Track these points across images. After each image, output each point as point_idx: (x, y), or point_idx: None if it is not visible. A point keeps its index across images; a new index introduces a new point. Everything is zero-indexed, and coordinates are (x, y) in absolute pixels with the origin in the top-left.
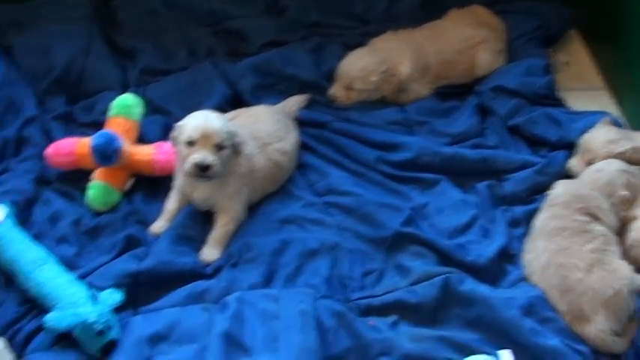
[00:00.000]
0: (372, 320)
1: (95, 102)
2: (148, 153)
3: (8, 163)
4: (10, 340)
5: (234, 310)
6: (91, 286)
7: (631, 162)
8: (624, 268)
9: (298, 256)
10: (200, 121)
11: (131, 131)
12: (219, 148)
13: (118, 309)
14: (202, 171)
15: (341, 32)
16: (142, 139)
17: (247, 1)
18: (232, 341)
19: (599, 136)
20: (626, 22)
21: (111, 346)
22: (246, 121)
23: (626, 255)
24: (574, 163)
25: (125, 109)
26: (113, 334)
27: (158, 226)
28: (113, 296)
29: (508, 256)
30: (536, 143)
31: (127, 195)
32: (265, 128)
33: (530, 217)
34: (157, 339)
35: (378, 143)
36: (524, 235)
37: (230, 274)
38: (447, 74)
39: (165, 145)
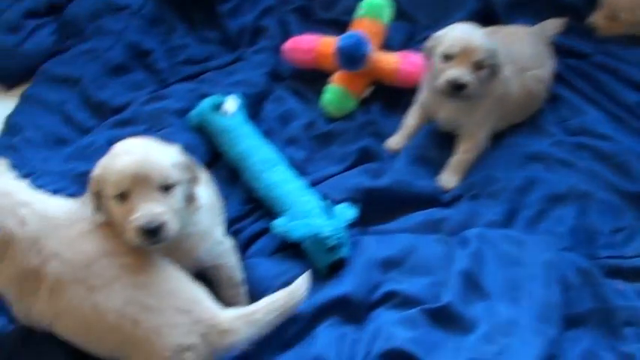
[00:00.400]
0: (620, 284)
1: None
2: (393, 61)
3: (242, 52)
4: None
5: (475, 249)
6: (323, 197)
7: None
8: None
9: (543, 199)
10: (462, 34)
11: (378, 35)
12: (478, 66)
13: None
14: (457, 89)
15: None
16: (384, 45)
17: None
18: (471, 282)
19: None
20: None
21: (339, 264)
22: (502, 40)
23: None
24: None
25: (375, 10)
26: (344, 251)
27: (395, 141)
28: (348, 211)
29: None
30: None
31: (364, 104)
32: (524, 51)
33: None
34: (389, 264)
35: None
36: None
37: (469, 207)
38: None
39: (412, 56)
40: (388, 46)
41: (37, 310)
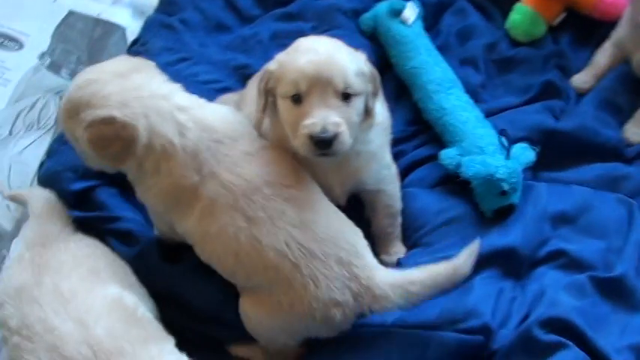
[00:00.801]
0: None
1: None
2: None
3: None
4: None
5: None
6: (498, 131)
7: None
8: None
9: None
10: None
11: None
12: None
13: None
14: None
15: None
16: None
17: None
18: None
19: None
20: None
21: (507, 210)
22: None
23: None
24: None
25: None
26: (515, 197)
27: (583, 79)
28: (526, 153)
29: None
30: None
31: (552, 31)
32: None
33: None
34: (560, 220)
35: None
36: None
37: None
38: None
39: None
40: None
41: (184, 228)
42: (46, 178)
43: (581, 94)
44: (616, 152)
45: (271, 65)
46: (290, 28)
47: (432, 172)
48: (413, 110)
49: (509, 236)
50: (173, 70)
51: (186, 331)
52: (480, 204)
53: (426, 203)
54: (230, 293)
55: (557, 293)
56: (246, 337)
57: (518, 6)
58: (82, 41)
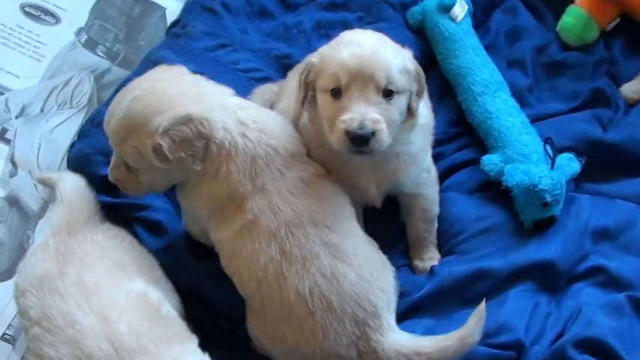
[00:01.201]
0: None
1: None
2: None
3: None
4: None
5: None
6: (543, 139)
7: None
8: None
9: None
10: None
11: None
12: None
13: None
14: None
15: None
16: None
17: None
18: None
19: None
20: None
21: (548, 222)
22: None
23: None
24: None
25: None
26: (557, 209)
27: (633, 89)
28: (572, 164)
29: None
30: None
31: (606, 37)
32: None
33: None
34: (602, 235)
35: None
36: None
37: None
38: None
39: None
40: None
41: (218, 238)
42: (76, 160)
43: (631, 105)
44: None
45: (313, 57)
46: (335, 18)
47: (472, 177)
48: (456, 111)
49: (548, 249)
50: (212, 56)
51: (210, 327)
52: (520, 214)
53: (464, 209)
54: None
55: (594, 312)
56: None
57: (571, 8)
58: (120, 19)
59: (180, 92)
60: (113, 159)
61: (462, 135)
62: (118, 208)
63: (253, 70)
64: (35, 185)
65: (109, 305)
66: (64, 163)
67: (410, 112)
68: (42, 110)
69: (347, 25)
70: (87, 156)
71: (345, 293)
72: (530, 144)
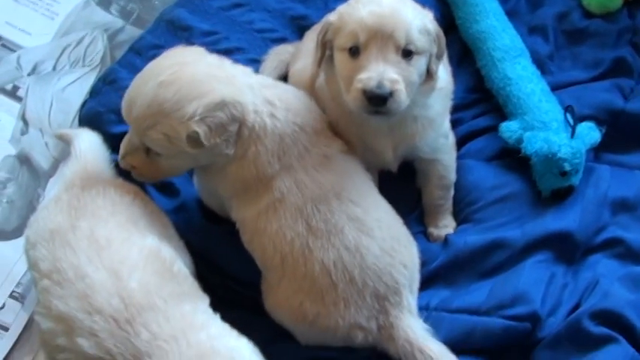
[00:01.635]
0: None
1: None
2: None
3: None
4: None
5: None
6: (564, 107)
7: None
8: None
9: None
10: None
11: None
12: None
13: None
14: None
15: None
16: None
17: None
18: None
19: None
20: None
21: (566, 191)
22: None
23: None
24: None
25: None
26: (576, 179)
27: None
28: (592, 134)
29: None
30: None
31: (630, 5)
32: None
33: None
34: (621, 206)
35: None
36: None
37: None
38: None
39: None
40: None
41: (240, 216)
42: (88, 118)
43: None
44: None
45: (331, 16)
46: None
47: (490, 145)
48: (475, 77)
49: (566, 219)
50: (227, 15)
51: (220, 289)
52: (538, 183)
53: (481, 177)
54: None
55: (611, 284)
56: None
57: None
58: None
59: (210, 76)
60: (126, 146)
61: (480, 101)
62: None
63: (269, 30)
64: (46, 144)
65: (120, 260)
66: (76, 121)
67: (429, 75)
68: (54, 68)
69: None
70: (98, 114)
71: (368, 267)
72: (550, 112)
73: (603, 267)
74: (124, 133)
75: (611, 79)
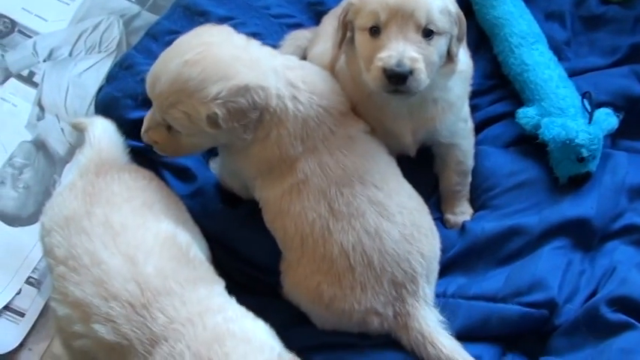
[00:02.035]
0: None
1: None
2: None
3: None
4: None
5: None
6: (581, 93)
7: None
8: None
9: None
10: None
11: None
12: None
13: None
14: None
15: None
16: None
17: None
18: None
19: None
20: None
21: (583, 178)
22: None
23: None
24: None
25: None
26: (593, 165)
27: None
28: (609, 120)
29: None
30: None
31: None
32: None
33: None
34: (638, 193)
35: None
36: None
37: None
38: None
39: None
40: None
41: (264, 196)
42: (104, 103)
43: None
44: None
45: None
46: None
47: (507, 131)
48: (492, 63)
49: (583, 206)
50: (243, 1)
51: (236, 274)
52: (555, 169)
53: (498, 163)
54: None
55: (628, 270)
56: None
57: None
58: None
59: (235, 58)
60: (149, 121)
61: (497, 87)
62: (145, 153)
63: (285, 15)
64: (62, 129)
65: (136, 246)
66: (92, 107)
67: (449, 57)
68: (70, 54)
69: None
70: (115, 99)
71: (387, 252)
72: (568, 97)
73: (620, 253)
74: (140, 119)
75: (628, 65)
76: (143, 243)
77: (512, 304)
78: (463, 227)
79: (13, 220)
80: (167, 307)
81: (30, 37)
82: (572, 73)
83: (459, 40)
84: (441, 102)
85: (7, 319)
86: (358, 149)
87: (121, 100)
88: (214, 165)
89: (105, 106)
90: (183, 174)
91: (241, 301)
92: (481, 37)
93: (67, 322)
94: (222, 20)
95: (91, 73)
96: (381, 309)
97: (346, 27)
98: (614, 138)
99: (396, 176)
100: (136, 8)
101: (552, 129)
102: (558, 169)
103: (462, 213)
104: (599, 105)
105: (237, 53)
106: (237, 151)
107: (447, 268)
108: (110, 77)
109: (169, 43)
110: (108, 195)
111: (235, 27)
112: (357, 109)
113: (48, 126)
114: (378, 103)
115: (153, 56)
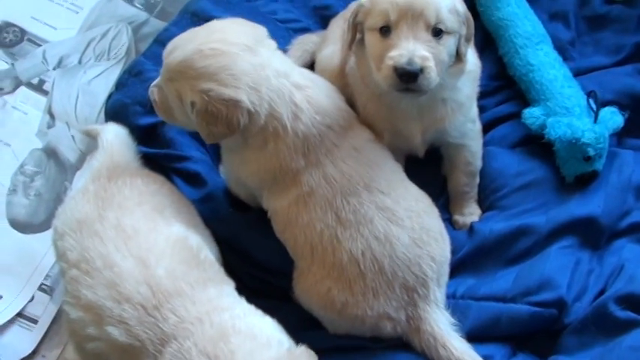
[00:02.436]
0: None
1: None
2: None
3: None
4: None
5: None
6: (586, 92)
7: None
8: None
9: None
10: None
11: None
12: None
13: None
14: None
15: None
16: None
17: None
18: None
19: None
20: None
21: (589, 177)
22: None
23: None
24: None
25: None
26: (599, 164)
27: None
28: (615, 118)
29: None
30: None
31: None
32: None
33: None
34: None
35: None
36: None
37: None
38: None
39: None
40: None
41: (272, 207)
42: (114, 110)
43: None
44: None
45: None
46: None
47: (514, 131)
48: (497, 64)
49: (590, 205)
50: (250, 6)
51: (247, 278)
52: (562, 168)
53: (505, 164)
54: None
55: (636, 268)
56: None
57: None
58: None
59: (243, 73)
60: (159, 80)
61: (503, 88)
62: (156, 159)
63: (292, 20)
64: (73, 137)
65: (147, 249)
66: (102, 114)
67: (458, 57)
68: (79, 62)
69: None
70: (125, 106)
71: (398, 257)
72: (573, 97)
73: (628, 251)
74: (150, 125)
75: (633, 64)
76: (155, 246)
77: (522, 304)
78: (471, 228)
79: (24, 228)
80: (178, 307)
81: (39, 45)
82: (577, 73)
83: (467, 40)
84: (450, 102)
85: (21, 325)
86: (363, 158)
87: (131, 106)
88: (224, 170)
89: (115, 112)
90: (193, 179)
91: (253, 304)
92: (486, 38)
93: (80, 325)
94: None
95: (101, 81)
96: (393, 314)
97: (356, 28)
98: (619, 137)
99: (402, 181)
100: (144, 15)
101: (558, 128)
102: (565, 169)
103: (471, 214)
104: (605, 104)
105: (249, 70)
106: (230, 149)
107: (456, 269)
108: (119, 84)
109: None
110: (120, 199)
111: None
112: (367, 109)
113: (58, 133)
114: (388, 103)
115: (162, 63)
